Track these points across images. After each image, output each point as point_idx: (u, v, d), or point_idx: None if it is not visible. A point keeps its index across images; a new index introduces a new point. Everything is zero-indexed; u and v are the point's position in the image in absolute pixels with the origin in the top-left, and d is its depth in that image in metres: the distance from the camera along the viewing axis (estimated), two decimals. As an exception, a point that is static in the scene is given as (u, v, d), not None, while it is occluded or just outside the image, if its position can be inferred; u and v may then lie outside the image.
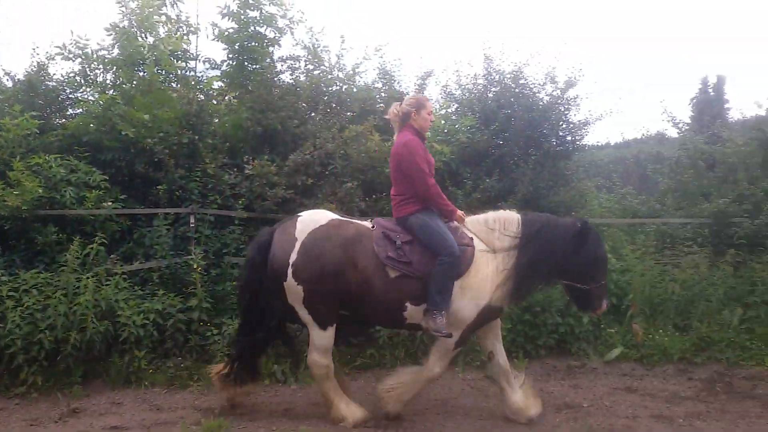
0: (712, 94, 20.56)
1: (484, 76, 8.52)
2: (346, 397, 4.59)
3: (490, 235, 4.52)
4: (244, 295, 4.70)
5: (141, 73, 7.35)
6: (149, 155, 6.64)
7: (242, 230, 6.59)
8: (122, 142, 6.65)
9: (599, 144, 22.17)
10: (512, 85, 8.19)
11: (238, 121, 7.12)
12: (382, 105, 7.66)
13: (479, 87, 8.53)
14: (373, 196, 6.91)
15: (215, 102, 7.81)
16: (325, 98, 7.67)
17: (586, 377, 5.95)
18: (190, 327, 5.83)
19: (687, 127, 11.56)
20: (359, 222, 4.62)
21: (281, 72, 7.88)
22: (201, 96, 7.58)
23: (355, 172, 6.83)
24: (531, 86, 8.22)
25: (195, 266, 5.99)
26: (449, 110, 8.69)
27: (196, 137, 6.84)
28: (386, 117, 4.80)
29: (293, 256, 4.34)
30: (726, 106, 19.70)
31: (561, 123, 8.16)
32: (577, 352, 6.43)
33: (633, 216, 8.83)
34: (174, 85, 7.65)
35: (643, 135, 22.43)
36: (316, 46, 8.11)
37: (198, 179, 6.67)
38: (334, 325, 4.44)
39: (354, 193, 6.59)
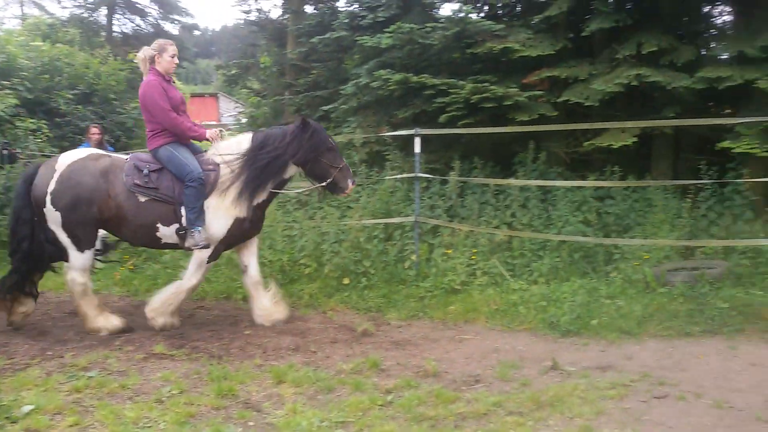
0: None
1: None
2: (105, 311, 5.05)
3: (232, 157, 5.09)
4: (11, 220, 5.12)
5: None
6: None
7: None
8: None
9: None
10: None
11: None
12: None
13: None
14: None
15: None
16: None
17: None
18: None
19: None
20: (117, 155, 5.16)
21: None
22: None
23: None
24: None
25: None
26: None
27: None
28: (135, 62, 5.24)
29: (51, 186, 4.78)
30: None
31: None
32: None
33: None
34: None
35: None
36: None
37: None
38: (92, 248, 4.95)
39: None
